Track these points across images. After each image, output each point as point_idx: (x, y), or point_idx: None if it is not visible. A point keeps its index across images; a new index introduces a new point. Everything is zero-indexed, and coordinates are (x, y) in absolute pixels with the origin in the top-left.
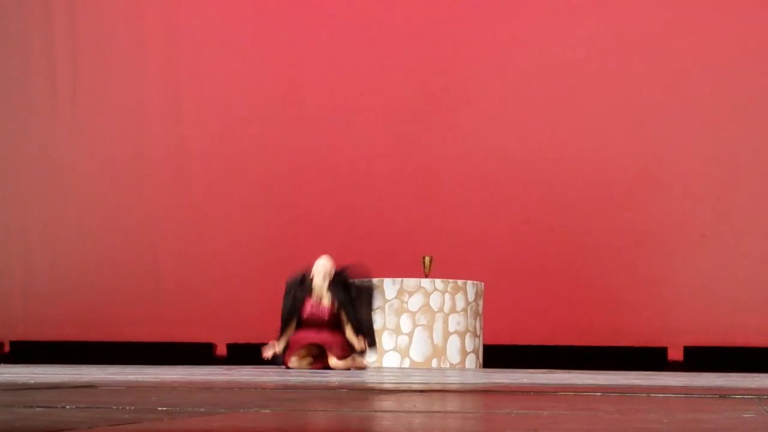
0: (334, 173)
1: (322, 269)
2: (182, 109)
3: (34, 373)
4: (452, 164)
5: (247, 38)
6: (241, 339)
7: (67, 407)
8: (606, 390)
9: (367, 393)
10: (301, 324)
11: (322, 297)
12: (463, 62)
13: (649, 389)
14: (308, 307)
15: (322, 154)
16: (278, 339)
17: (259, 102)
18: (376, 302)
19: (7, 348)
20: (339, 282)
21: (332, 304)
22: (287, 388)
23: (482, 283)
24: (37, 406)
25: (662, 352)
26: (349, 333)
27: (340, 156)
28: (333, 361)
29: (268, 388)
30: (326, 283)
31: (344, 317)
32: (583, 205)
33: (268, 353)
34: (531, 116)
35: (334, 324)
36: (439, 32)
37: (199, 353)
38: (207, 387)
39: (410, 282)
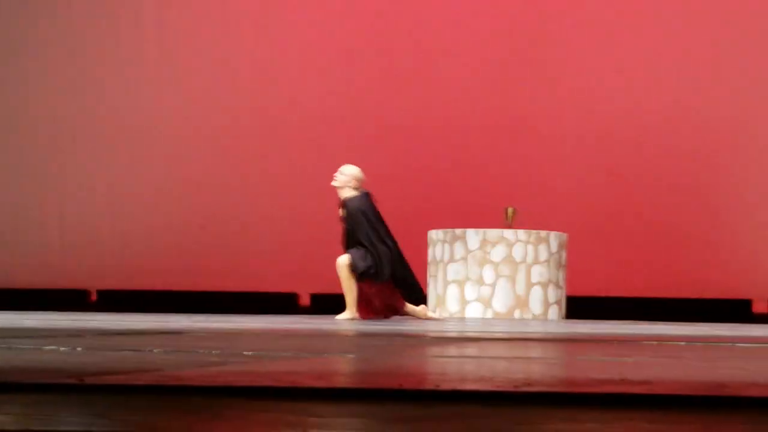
0: (419, 125)
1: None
2: (267, 66)
3: (122, 321)
4: (535, 115)
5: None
6: (325, 289)
7: (155, 351)
8: (691, 339)
9: (451, 341)
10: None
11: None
12: (549, 13)
13: (733, 339)
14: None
15: (408, 104)
16: None
17: (335, 52)
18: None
19: (94, 297)
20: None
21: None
22: (370, 335)
23: (565, 234)
24: (126, 350)
25: (747, 304)
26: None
27: (425, 107)
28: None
29: (350, 335)
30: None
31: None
32: (667, 156)
33: None
34: (615, 67)
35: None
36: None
37: (283, 303)
38: (291, 334)
39: (493, 232)
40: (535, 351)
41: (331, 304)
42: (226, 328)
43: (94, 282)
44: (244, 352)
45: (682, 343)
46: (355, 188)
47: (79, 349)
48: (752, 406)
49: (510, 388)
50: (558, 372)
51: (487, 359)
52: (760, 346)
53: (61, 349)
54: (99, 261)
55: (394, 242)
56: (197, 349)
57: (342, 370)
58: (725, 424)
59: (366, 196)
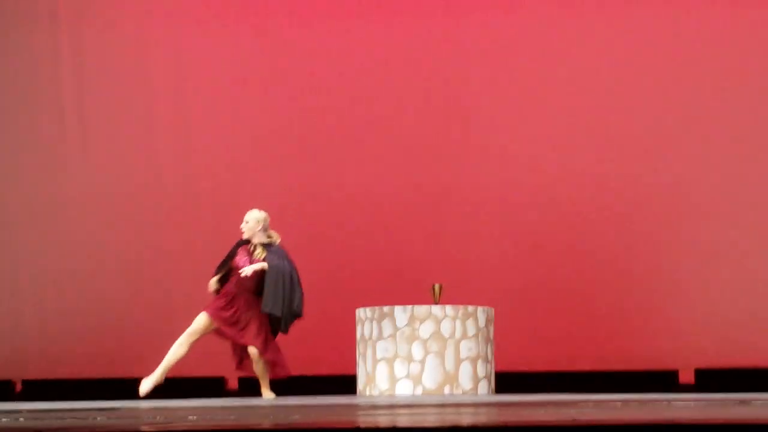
0: (343, 199)
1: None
2: (191, 142)
3: (55, 404)
4: (459, 190)
5: (253, 62)
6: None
7: (98, 418)
8: (626, 401)
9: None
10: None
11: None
12: (469, 84)
13: (668, 399)
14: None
15: (330, 179)
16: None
17: (268, 126)
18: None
19: (18, 387)
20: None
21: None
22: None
23: (492, 309)
24: (67, 419)
25: (674, 375)
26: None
27: (348, 181)
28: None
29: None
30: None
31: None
32: (590, 229)
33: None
34: (538, 142)
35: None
36: (450, 55)
37: (210, 387)
38: (230, 406)
39: (420, 309)
40: (482, 410)
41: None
42: (161, 405)
43: (17, 372)
44: (189, 417)
45: (618, 403)
46: (265, 230)
47: (21, 419)
48: None
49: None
50: (512, 416)
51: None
52: (699, 401)
53: (2, 419)
54: (24, 350)
55: None
56: (138, 416)
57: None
58: None
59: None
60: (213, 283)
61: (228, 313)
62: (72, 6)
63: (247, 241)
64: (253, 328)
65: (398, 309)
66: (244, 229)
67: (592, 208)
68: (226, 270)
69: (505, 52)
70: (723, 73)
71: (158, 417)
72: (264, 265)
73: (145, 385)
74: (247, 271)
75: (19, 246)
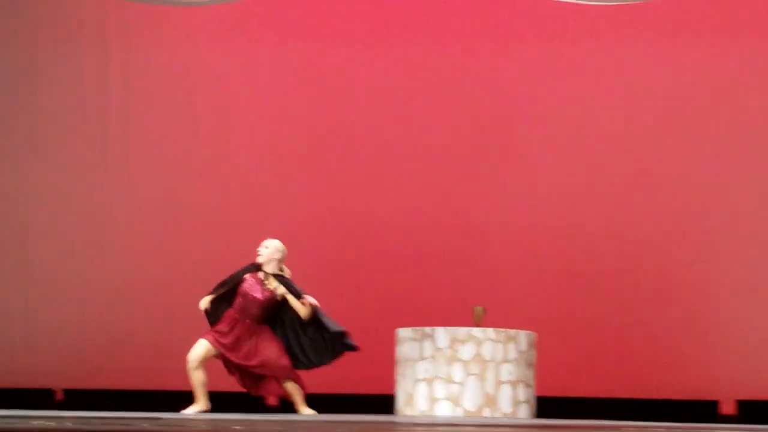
0: (388, 221)
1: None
2: (231, 162)
3: (98, 413)
4: (503, 215)
5: (293, 87)
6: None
7: (144, 425)
8: (669, 428)
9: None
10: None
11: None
12: (512, 111)
13: (711, 428)
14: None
15: (376, 202)
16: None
17: (308, 152)
18: None
19: (60, 396)
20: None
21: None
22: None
23: (534, 333)
24: (114, 426)
25: (713, 405)
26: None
27: (395, 204)
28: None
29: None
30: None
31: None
32: (633, 258)
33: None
34: (583, 168)
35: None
36: (486, 83)
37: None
38: (270, 420)
39: (462, 331)
40: (522, 431)
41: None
42: (204, 417)
43: (59, 381)
44: (233, 427)
45: (662, 430)
46: (280, 261)
47: (68, 424)
48: None
49: None
50: None
51: None
52: (743, 430)
53: (48, 423)
54: (65, 359)
55: None
56: (185, 424)
57: None
58: None
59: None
60: (206, 301)
61: (228, 340)
62: (120, 27)
63: (257, 268)
64: (266, 350)
65: (439, 330)
66: (261, 254)
67: (634, 236)
68: (226, 292)
69: (542, 78)
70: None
71: (202, 425)
72: (314, 302)
73: (191, 411)
74: (311, 300)
75: (63, 257)
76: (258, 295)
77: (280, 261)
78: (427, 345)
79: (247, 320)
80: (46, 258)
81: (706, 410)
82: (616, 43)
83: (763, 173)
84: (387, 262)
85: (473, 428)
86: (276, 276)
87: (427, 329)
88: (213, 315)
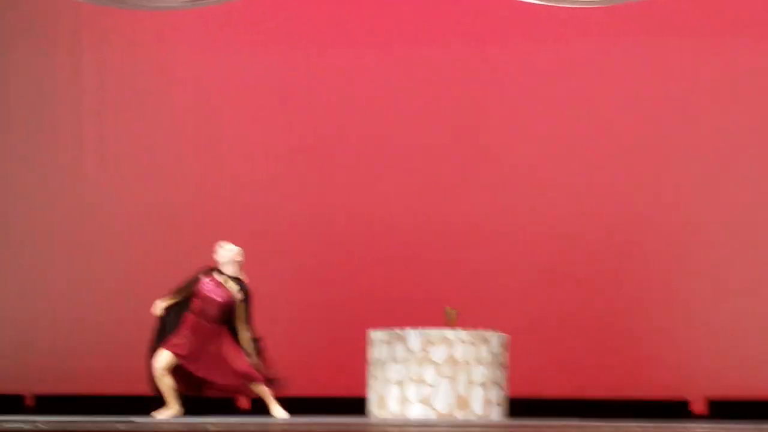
0: (361, 223)
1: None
2: (211, 160)
3: (69, 418)
4: (475, 216)
5: (272, 90)
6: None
7: (118, 424)
8: (644, 428)
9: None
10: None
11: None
12: (490, 117)
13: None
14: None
15: (350, 204)
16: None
17: (287, 154)
18: None
19: (30, 401)
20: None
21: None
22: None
23: (507, 335)
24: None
25: (684, 405)
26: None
27: (367, 206)
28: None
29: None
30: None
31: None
32: (604, 259)
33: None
34: (558, 170)
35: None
36: (462, 86)
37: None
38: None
39: (434, 332)
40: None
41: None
42: (177, 420)
43: (30, 386)
44: (209, 429)
45: (637, 428)
46: (239, 265)
47: (39, 425)
48: None
49: None
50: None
51: None
52: (714, 428)
53: (23, 426)
54: (35, 364)
55: None
56: (160, 427)
57: None
58: None
59: None
60: (160, 306)
61: (185, 351)
62: (94, 26)
63: (212, 271)
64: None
65: (411, 332)
66: (221, 255)
67: (606, 238)
68: (183, 298)
69: (527, 83)
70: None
71: (178, 427)
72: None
73: (163, 416)
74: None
75: (33, 260)
76: (217, 297)
77: (240, 264)
78: (399, 347)
79: (206, 323)
80: (17, 263)
81: (678, 409)
82: (609, 42)
83: (743, 174)
84: (359, 263)
85: (445, 430)
86: (236, 280)
87: (399, 331)
88: (168, 321)
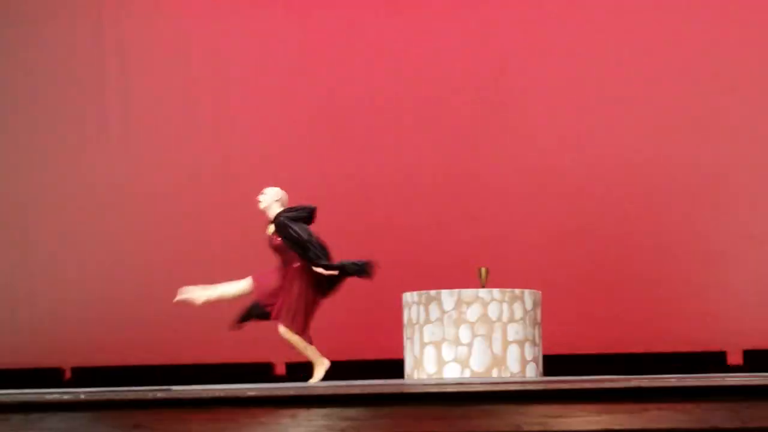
0: (388, 184)
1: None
2: (231, 135)
3: (109, 388)
4: (504, 174)
5: (290, 60)
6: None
7: (158, 395)
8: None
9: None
10: None
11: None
12: (514, 69)
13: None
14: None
15: (375, 166)
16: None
17: (308, 113)
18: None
19: (68, 375)
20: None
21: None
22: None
23: (539, 292)
24: (130, 392)
25: (722, 356)
26: None
27: (394, 167)
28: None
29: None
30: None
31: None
32: (637, 212)
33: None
34: (582, 123)
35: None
36: (489, 41)
37: (258, 372)
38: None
39: (467, 292)
40: (530, 386)
41: (308, 371)
42: (212, 387)
43: (68, 359)
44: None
45: (673, 380)
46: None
47: (82, 396)
48: None
49: None
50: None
51: None
52: (752, 377)
53: (65, 396)
54: (72, 337)
55: None
56: (199, 394)
57: None
58: None
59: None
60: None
61: (264, 281)
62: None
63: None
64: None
65: (445, 293)
66: (261, 200)
67: (638, 190)
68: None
69: (545, 35)
70: None
71: (217, 393)
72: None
73: (318, 376)
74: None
75: (64, 238)
76: (270, 242)
77: (283, 204)
78: (433, 308)
79: (288, 268)
80: (47, 239)
81: (714, 361)
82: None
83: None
84: (390, 226)
85: (482, 388)
86: (276, 223)
87: (433, 292)
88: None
